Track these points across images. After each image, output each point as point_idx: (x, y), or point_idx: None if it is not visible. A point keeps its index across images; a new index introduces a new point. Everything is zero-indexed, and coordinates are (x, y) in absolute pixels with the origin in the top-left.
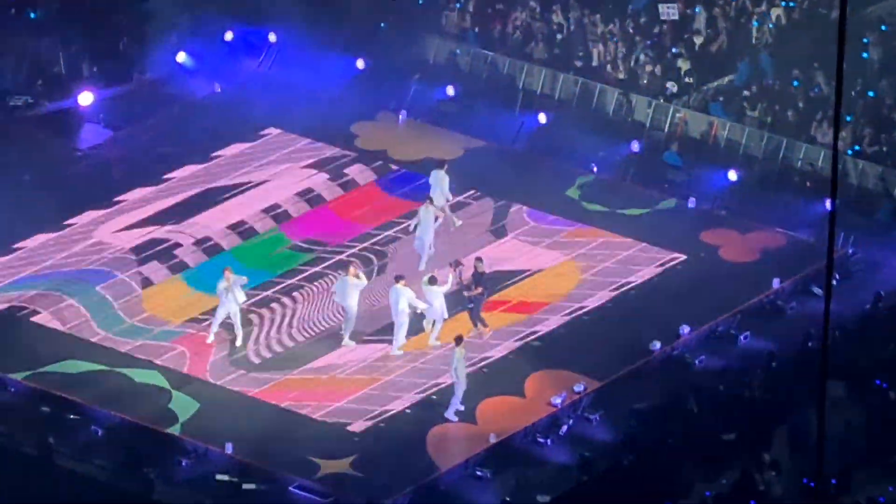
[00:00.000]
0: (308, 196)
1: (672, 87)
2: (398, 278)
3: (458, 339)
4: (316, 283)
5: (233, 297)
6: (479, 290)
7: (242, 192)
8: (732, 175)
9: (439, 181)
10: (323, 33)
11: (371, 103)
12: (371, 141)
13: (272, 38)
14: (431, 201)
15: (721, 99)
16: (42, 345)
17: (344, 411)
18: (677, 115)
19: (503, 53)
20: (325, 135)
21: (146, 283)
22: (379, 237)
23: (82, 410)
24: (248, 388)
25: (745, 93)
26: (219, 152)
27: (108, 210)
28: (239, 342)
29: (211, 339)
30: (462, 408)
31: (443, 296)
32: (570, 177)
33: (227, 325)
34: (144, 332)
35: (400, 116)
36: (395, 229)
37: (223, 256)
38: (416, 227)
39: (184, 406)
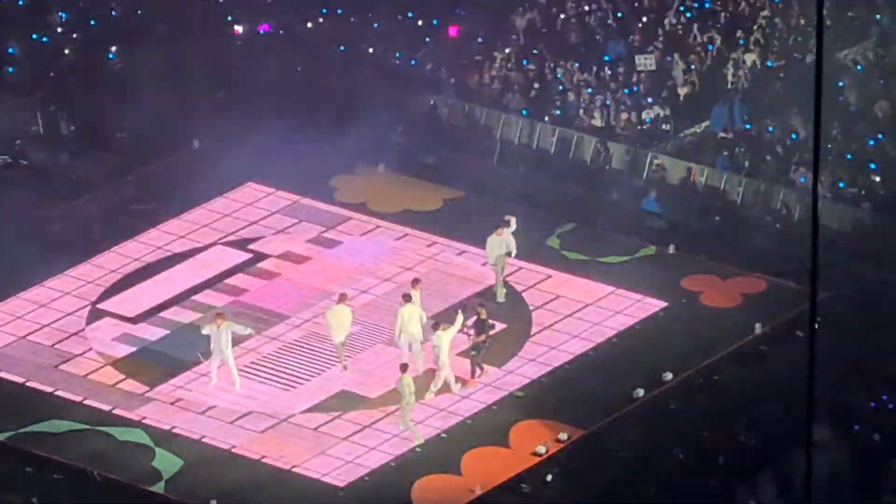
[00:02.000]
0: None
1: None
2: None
3: (403, 367)
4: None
5: (225, 341)
6: (482, 337)
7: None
8: (711, 220)
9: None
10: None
11: (349, 156)
12: (350, 193)
13: None
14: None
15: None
16: (23, 404)
17: (327, 464)
18: (655, 161)
19: (480, 104)
20: (304, 188)
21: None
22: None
23: (66, 470)
24: (231, 440)
25: (720, 138)
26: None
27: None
28: (237, 386)
29: (212, 382)
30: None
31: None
32: (550, 226)
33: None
34: None
35: (379, 168)
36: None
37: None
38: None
39: (167, 463)
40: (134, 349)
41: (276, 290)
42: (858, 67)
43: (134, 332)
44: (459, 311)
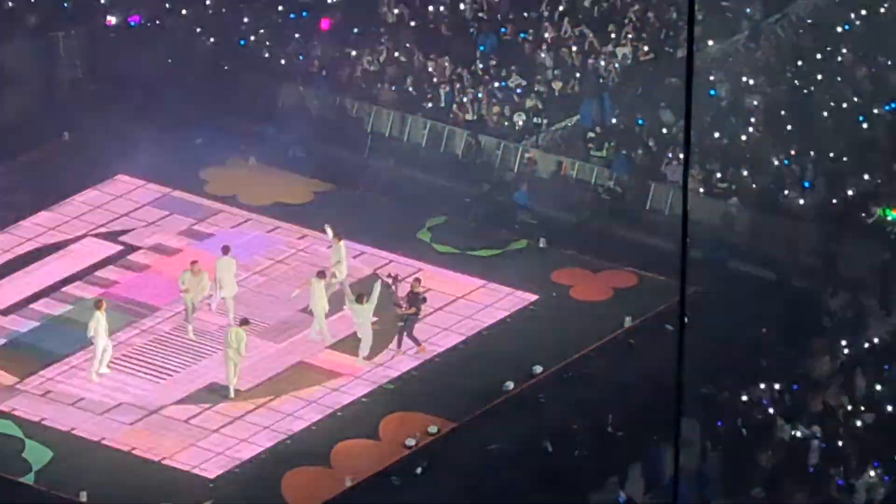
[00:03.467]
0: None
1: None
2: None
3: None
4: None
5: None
6: (413, 310)
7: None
8: (581, 214)
9: (342, 253)
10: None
11: (220, 149)
12: (221, 186)
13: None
14: (324, 275)
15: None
16: None
17: (198, 456)
18: (526, 155)
19: (351, 96)
20: (174, 180)
21: None
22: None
23: None
24: (102, 432)
25: (591, 134)
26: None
27: None
28: (104, 370)
29: (103, 369)
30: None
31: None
32: (420, 219)
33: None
34: None
35: (249, 161)
36: None
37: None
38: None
39: (37, 455)
40: (4, 341)
41: (147, 282)
42: (730, 59)
43: (4, 323)
44: (376, 284)
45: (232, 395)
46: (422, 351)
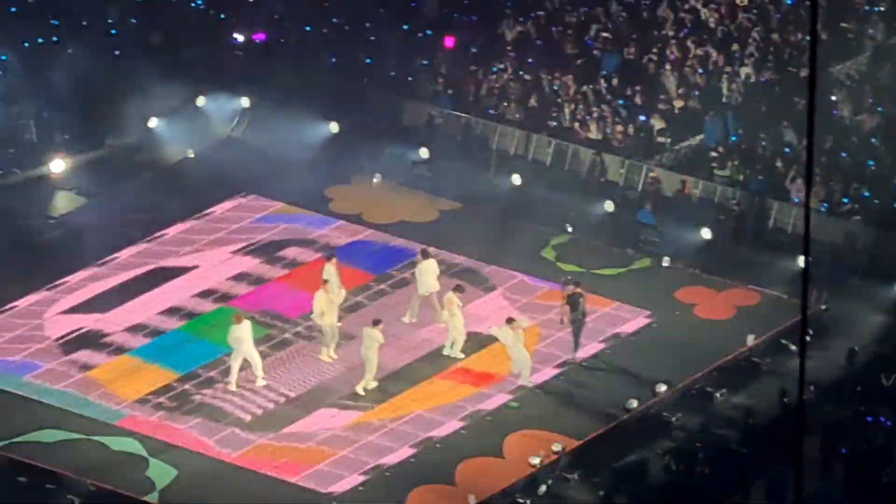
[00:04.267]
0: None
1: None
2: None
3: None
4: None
5: (248, 340)
6: (567, 310)
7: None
8: (706, 233)
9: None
10: (297, 98)
11: (345, 167)
12: (345, 204)
13: (244, 102)
14: (462, 289)
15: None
16: (17, 414)
17: (323, 474)
18: (650, 174)
19: (477, 115)
20: (300, 199)
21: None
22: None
23: (59, 480)
24: (228, 449)
25: (713, 153)
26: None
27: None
28: (260, 382)
29: (233, 386)
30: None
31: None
32: (545, 238)
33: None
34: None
35: (374, 179)
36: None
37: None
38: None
39: (161, 473)
40: (134, 355)
41: (279, 295)
42: (852, 80)
43: (135, 338)
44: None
45: (360, 391)
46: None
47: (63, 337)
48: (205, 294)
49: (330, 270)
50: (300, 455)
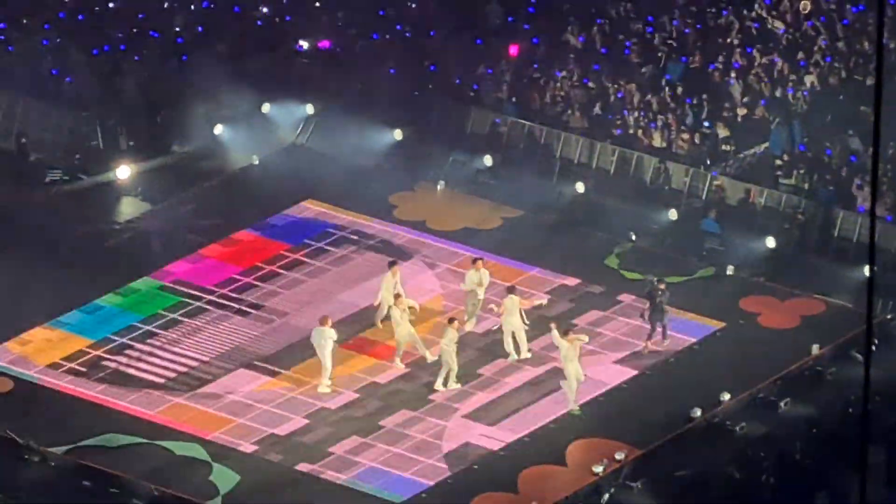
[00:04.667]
0: None
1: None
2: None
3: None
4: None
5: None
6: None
7: None
8: (770, 242)
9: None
10: (360, 104)
11: (409, 174)
12: (409, 211)
13: (309, 109)
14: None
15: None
16: (82, 419)
17: (387, 481)
18: (714, 182)
19: (540, 123)
20: (364, 206)
21: None
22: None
23: (123, 484)
24: (291, 456)
25: (778, 162)
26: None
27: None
28: (324, 389)
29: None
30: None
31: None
32: (608, 245)
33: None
34: None
35: (438, 187)
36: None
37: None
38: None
39: (224, 479)
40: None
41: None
42: None
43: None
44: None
45: (439, 386)
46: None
47: None
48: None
49: (391, 280)
50: (364, 462)
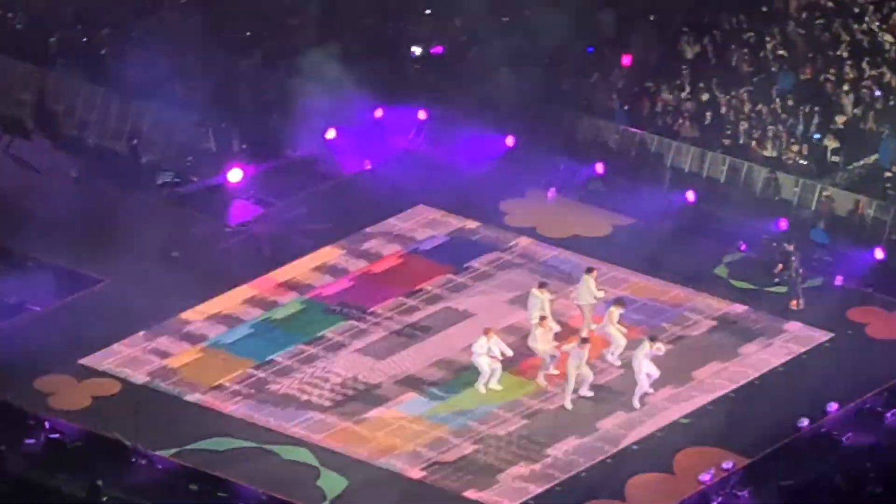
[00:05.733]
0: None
1: None
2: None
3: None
4: None
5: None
6: (780, 266)
7: None
8: (879, 254)
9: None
10: (472, 110)
11: (520, 180)
12: (520, 218)
13: (422, 115)
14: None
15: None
16: (189, 422)
17: (490, 490)
18: (824, 193)
19: (652, 131)
20: (474, 212)
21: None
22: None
23: (230, 488)
24: (396, 462)
25: (887, 174)
26: (369, 229)
27: None
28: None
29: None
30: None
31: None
32: (718, 255)
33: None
34: None
35: (549, 194)
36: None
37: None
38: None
39: (332, 484)
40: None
41: (437, 317)
42: None
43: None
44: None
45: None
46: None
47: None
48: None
49: (540, 297)
50: (465, 472)
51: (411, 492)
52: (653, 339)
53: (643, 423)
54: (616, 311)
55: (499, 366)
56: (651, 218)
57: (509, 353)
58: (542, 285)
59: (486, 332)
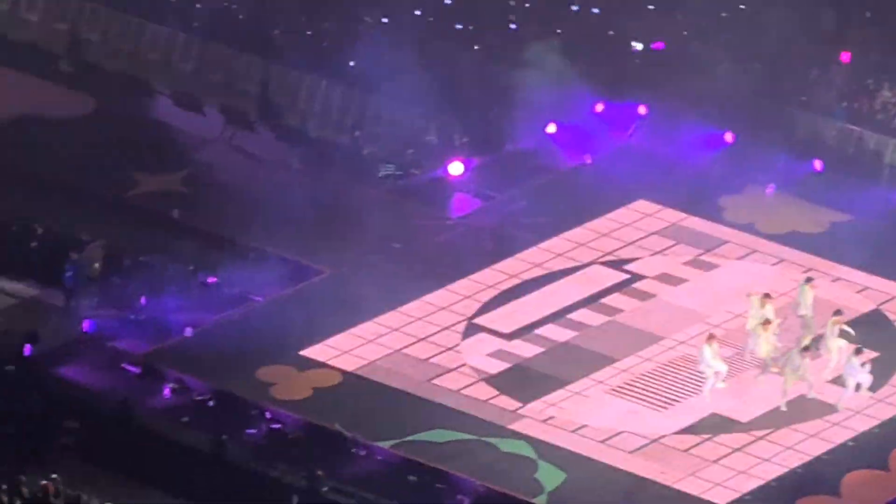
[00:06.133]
0: None
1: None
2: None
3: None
4: None
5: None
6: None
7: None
8: None
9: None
10: (692, 106)
11: (738, 176)
12: (738, 214)
13: (642, 110)
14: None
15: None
16: (409, 413)
17: (698, 485)
18: None
19: (871, 129)
20: (692, 207)
21: None
22: None
23: (448, 480)
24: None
25: None
26: (587, 224)
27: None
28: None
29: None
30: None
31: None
32: None
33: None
34: None
35: (768, 189)
36: None
37: None
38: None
39: (550, 476)
40: (508, 365)
41: (652, 311)
42: None
43: (509, 348)
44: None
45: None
46: None
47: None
48: (582, 305)
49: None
50: (677, 467)
51: (628, 486)
52: (858, 351)
53: (858, 420)
54: (836, 325)
55: (724, 367)
56: (868, 215)
57: (724, 368)
58: (808, 280)
59: (710, 338)
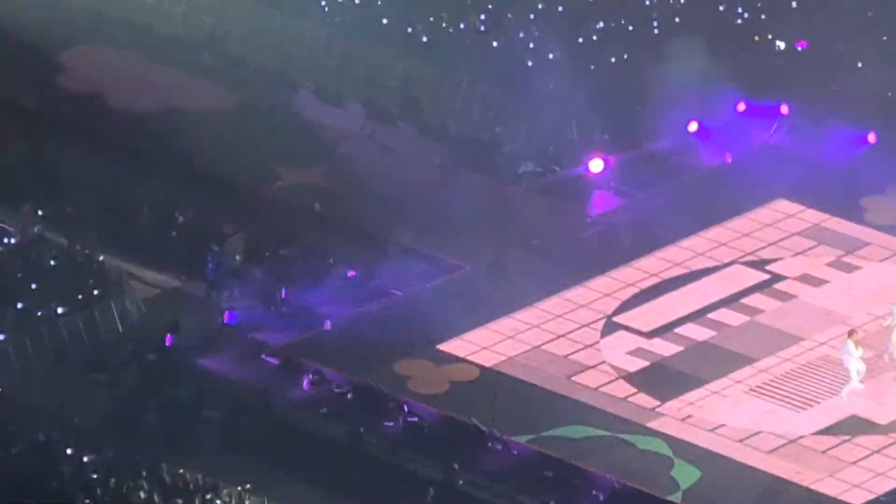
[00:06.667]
0: None
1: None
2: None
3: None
4: None
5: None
6: None
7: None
8: None
9: None
10: (835, 106)
11: (881, 177)
12: (880, 215)
13: (784, 109)
14: None
15: None
16: (546, 409)
17: (835, 486)
18: None
19: None
20: (834, 208)
21: None
22: None
23: (583, 476)
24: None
25: None
26: (727, 223)
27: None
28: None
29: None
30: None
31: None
32: None
33: None
34: None
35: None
36: None
37: None
38: None
39: (686, 474)
40: (647, 363)
41: (792, 312)
42: None
43: (648, 346)
44: None
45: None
46: None
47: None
48: (722, 304)
49: None
50: (815, 467)
51: (764, 485)
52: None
53: None
54: None
55: (863, 366)
56: None
57: (863, 367)
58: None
59: (851, 333)
